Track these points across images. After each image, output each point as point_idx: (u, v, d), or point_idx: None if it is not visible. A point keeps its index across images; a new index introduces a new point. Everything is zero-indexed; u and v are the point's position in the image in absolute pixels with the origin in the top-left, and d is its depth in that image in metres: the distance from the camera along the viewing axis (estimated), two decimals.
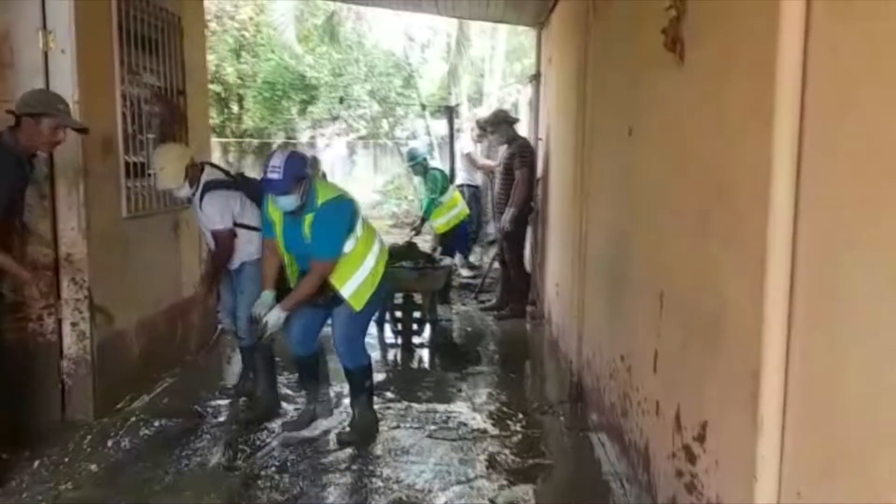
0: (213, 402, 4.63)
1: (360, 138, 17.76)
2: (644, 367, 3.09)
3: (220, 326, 5.88)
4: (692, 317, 2.52)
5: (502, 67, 15.18)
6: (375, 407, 4.44)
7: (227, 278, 4.53)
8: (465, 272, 9.15)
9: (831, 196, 1.66)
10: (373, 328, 6.48)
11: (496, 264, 7.86)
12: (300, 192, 3.69)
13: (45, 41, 3.92)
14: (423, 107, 14.98)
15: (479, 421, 4.41)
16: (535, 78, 7.85)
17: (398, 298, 6.16)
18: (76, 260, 4.11)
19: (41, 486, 3.48)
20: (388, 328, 6.29)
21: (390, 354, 6.02)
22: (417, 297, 6.21)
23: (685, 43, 2.59)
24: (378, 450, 3.97)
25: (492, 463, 3.82)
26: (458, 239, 8.11)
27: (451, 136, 10.10)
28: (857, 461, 1.54)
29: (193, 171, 4.27)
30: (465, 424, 4.34)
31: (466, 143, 9.94)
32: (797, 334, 1.82)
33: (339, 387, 4.91)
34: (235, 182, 4.38)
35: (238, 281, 4.42)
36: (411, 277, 5.99)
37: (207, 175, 4.32)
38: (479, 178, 9.75)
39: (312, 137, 17.88)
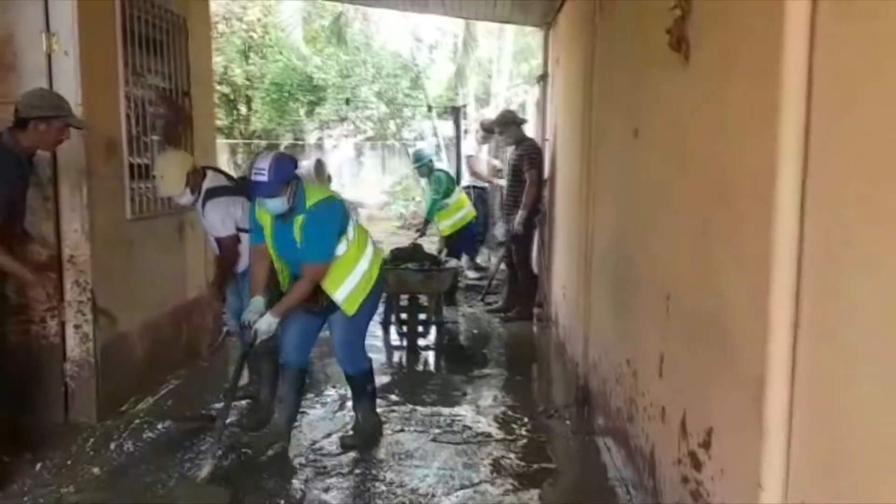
0: (218, 405, 4.59)
1: (368, 139, 17.76)
2: (650, 372, 3.06)
3: (225, 329, 5.88)
4: (697, 321, 2.49)
5: (510, 68, 15.16)
6: (379, 410, 4.41)
7: (232, 282, 4.52)
8: (471, 274, 9.11)
9: (837, 198, 1.63)
10: (378, 330, 6.49)
11: (503, 266, 7.82)
12: (289, 194, 3.59)
13: (49, 43, 3.91)
14: (430, 108, 14.96)
15: (484, 424, 4.37)
16: (543, 78, 7.81)
17: (403, 300, 6.13)
18: (79, 262, 4.10)
19: (43, 489, 3.47)
20: (393, 330, 6.26)
21: (395, 357, 6.00)
22: (423, 299, 6.18)
23: (690, 43, 2.55)
24: (382, 453, 3.94)
25: (497, 467, 3.79)
26: (465, 240, 8.08)
27: (458, 138, 10.07)
28: (863, 469, 1.50)
29: (195, 178, 4.25)
30: (470, 428, 4.30)
31: (471, 144, 9.91)
32: (803, 340, 1.78)
33: (344, 389, 4.90)
34: (238, 186, 4.37)
35: (243, 284, 4.40)
36: (416, 279, 5.97)
37: (209, 181, 4.30)
38: (486, 171, 9.70)
39: (320, 139, 17.90)
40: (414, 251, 6.43)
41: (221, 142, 15.44)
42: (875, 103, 1.46)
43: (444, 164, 9.79)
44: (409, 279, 5.97)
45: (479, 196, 9.16)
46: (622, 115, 3.77)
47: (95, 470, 3.68)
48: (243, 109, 17.65)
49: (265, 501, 3.42)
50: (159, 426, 4.23)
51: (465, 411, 4.60)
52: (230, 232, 4.24)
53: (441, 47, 17.44)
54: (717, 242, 2.32)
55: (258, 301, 3.82)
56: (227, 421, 3.81)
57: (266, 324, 3.69)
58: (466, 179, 9.39)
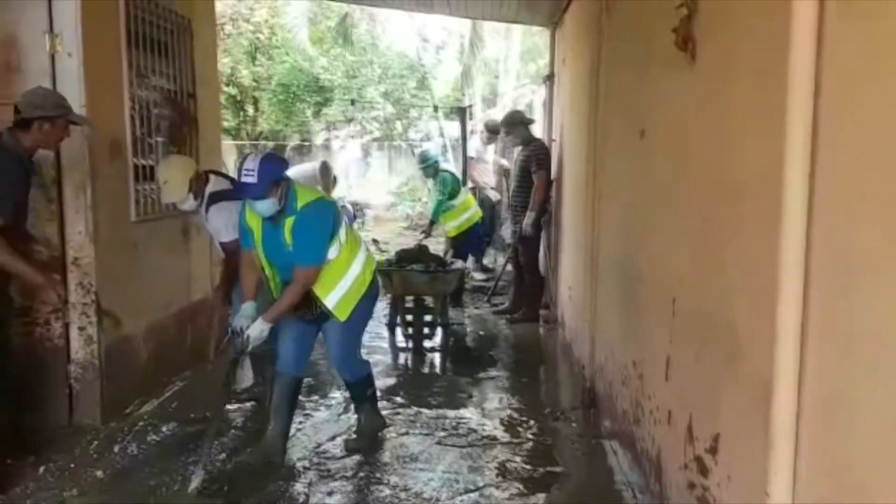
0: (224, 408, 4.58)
1: (375, 140, 17.76)
2: (656, 375, 3.02)
3: (230, 331, 5.86)
4: (704, 324, 2.45)
5: (517, 68, 15.12)
6: (384, 412, 4.38)
7: (238, 285, 4.50)
8: (478, 275, 9.08)
9: (845, 198, 1.59)
10: (384, 331, 6.47)
11: (509, 267, 7.78)
12: (278, 195, 3.48)
13: (52, 44, 3.90)
14: (436, 108, 14.94)
15: (489, 427, 4.34)
16: (549, 78, 7.78)
17: (409, 302, 6.10)
18: (83, 264, 4.09)
19: (46, 492, 3.46)
20: (398, 332, 6.23)
21: (401, 358, 5.97)
22: (429, 301, 6.15)
23: (696, 42, 2.52)
24: (386, 456, 3.91)
25: (502, 471, 3.76)
26: (471, 242, 8.04)
27: (464, 138, 10.04)
28: (872, 477, 1.47)
29: (198, 183, 4.23)
30: (476, 431, 4.27)
31: (477, 145, 9.87)
32: (811, 344, 1.74)
33: (348, 392, 4.88)
34: None
35: None
36: (422, 280, 5.94)
37: (213, 185, 4.29)
38: (492, 181, 9.67)
39: (327, 140, 17.90)
40: (419, 252, 6.40)
41: (229, 143, 15.47)
42: (883, 103, 1.43)
43: (450, 164, 9.74)
44: (414, 280, 5.94)
45: (487, 198, 9.12)
46: (628, 116, 3.74)
47: (99, 473, 3.67)
48: (250, 110, 17.67)
49: None
50: (164, 429, 4.21)
51: (470, 414, 4.56)
52: (233, 236, 4.21)
53: (448, 47, 17.43)
54: (723, 244, 2.29)
55: (249, 307, 3.72)
56: (228, 425, 3.78)
57: (258, 330, 3.58)
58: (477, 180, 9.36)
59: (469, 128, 10.32)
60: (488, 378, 5.38)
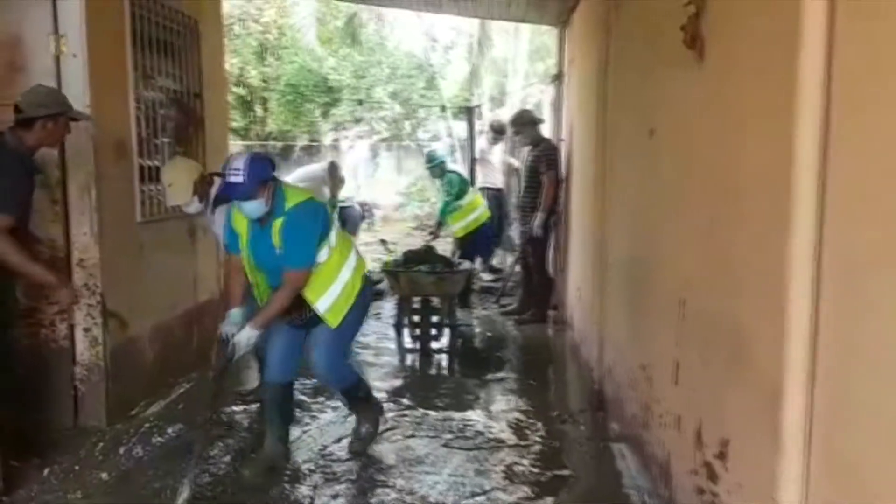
0: (229, 409, 4.56)
1: (383, 140, 17.75)
2: (665, 379, 2.98)
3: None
4: (713, 328, 2.41)
5: (525, 68, 15.07)
6: (391, 415, 4.37)
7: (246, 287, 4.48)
8: (486, 276, 9.04)
9: (856, 199, 1.56)
10: (390, 332, 6.44)
11: (518, 268, 7.74)
12: (266, 196, 3.37)
13: (57, 45, 3.89)
14: (444, 108, 14.91)
15: (497, 430, 4.29)
16: (558, 78, 7.73)
17: (416, 303, 6.07)
18: (89, 265, 4.08)
19: (50, 494, 3.44)
20: (405, 333, 6.20)
21: (408, 360, 5.94)
22: (436, 302, 6.12)
23: (705, 40, 2.48)
24: (392, 459, 3.88)
25: (509, 474, 3.71)
26: (479, 242, 7.99)
27: (472, 138, 10.00)
28: (885, 484, 1.42)
29: (203, 186, 4.19)
30: (483, 433, 4.23)
31: (482, 145, 9.82)
32: (822, 348, 1.71)
33: None
34: None
35: None
36: (429, 281, 5.90)
37: (218, 187, 4.26)
38: (500, 181, 9.62)
39: (336, 140, 17.90)
40: (426, 253, 6.36)
41: (238, 143, 15.48)
42: (894, 102, 1.39)
43: (458, 164, 9.70)
44: (421, 281, 5.90)
45: (494, 197, 9.06)
46: (637, 115, 3.69)
47: (104, 475, 3.65)
48: (259, 111, 17.69)
49: None
50: (169, 430, 4.18)
51: (477, 416, 4.52)
52: None
53: (457, 47, 17.40)
54: (731, 245, 2.25)
55: (236, 313, 3.60)
56: (233, 427, 3.74)
57: (245, 337, 3.46)
58: (480, 181, 9.30)
59: (477, 128, 10.27)
60: (496, 380, 5.34)
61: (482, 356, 6.04)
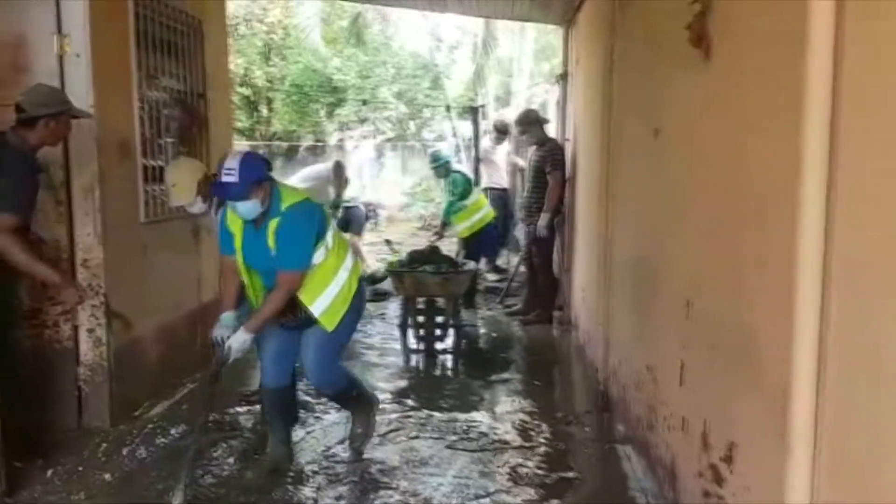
0: (233, 410, 4.55)
1: (388, 140, 17.73)
2: (670, 380, 2.95)
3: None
4: (719, 329, 2.39)
5: (530, 67, 15.04)
6: (395, 416, 4.36)
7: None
8: (491, 276, 9.01)
9: (865, 199, 1.53)
10: (395, 332, 6.42)
11: (522, 268, 7.71)
12: (261, 196, 3.30)
13: (61, 45, 3.88)
14: (448, 108, 14.89)
15: (501, 431, 4.27)
16: (563, 77, 7.70)
17: (420, 303, 6.05)
18: (92, 265, 4.07)
19: (53, 495, 3.43)
20: (410, 333, 6.18)
21: (412, 360, 5.92)
22: (441, 302, 6.10)
23: (711, 39, 2.45)
24: (396, 460, 3.86)
25: (514, 476, 3.69)
26: (484, 242, 7.97)
27: (476, 138, 9.97)
28: (894, 491, 1.40)
29: (206, 186, 4.17)
30: (487, 435, 4.20)
31: (485, 145, 9.79)
32: (830, 350, 1.68)
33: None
34: None
35: None
36: (433, 282, 5.88)
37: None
38: (504, 181, 9.58)
39: (341, 140, 17.89)
40: (431, 253, 6.35)
41: (243, 143, 15.48)
42: None
43: (462, 164, 9.68)
44: (425, 281, 5.88)
45: (499, 197, 9.03)
46: (642, 115, 3.67)
47: (107, 476, 3.64)
48: (264, 111, 17.70)
49: None
50: (173, 431, 4.18)
51: (482, 417, 4.50)
52: None
53: (462, 47, 17.38)
54: (738, 245, 2.22)
55: (229, 316, 3.54)
56: (227, 428, 3.71)
57: (239, 341, 3.39)
58: (485, 181, 9.27)
59: (482, 128, 10.24)
60: (500, 381, 5.31)
61: (487, 357, 6.02)
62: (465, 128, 14.11)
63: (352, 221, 8.55)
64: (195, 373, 5.13)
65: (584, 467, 3.83)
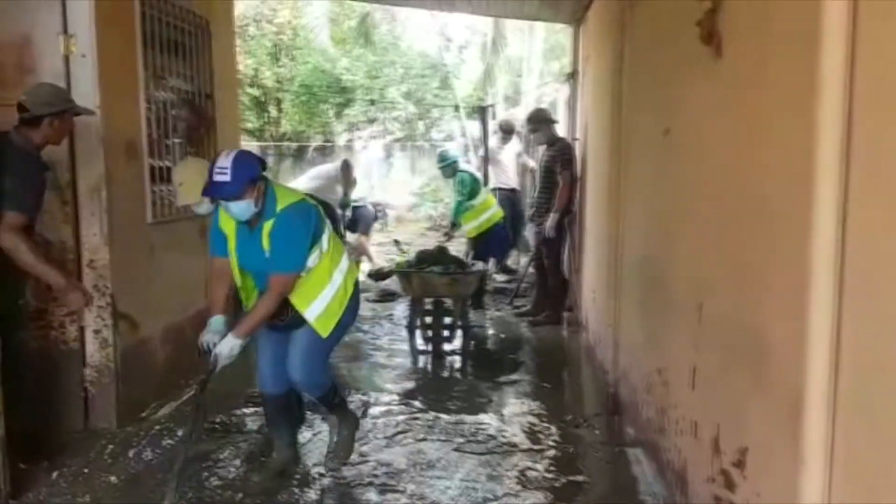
0: (239, 411, 4.53)
1: (397, 140, 17.72)
2: (681, 384, 2.91)
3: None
4: (732, 333, 2.34)
5: (540, 66, 14.99)
6: (402, 417, 4.33)
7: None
8: (500, 277, 8.97)
9: (881, 200, 1.48)
10: (403, 333, 6.39)
11: (532, 269, 7.66)
12: (255, 196, 3.15)
13: (66, 45, 3.87)
14: (457, 108, 14.86)
15: (509, 434, 4.23)
16: (572, 76, 7.66)
17: (428, 304, 6.01)
18: (99, 266, 4.06)
19: (58, 497, 3.42)
20: (418, 334, 6.14)
21: (420, 361, 5.89)
22: (449, 303, 6.06)
23: (722, 37, 2.40)
24: (402, 463, 3.82)
25: (522, 479, 3.65)
26: (493, 243, 7.92)
27: (485, 138, 9.93)
28: None
29: None
30: (495, 437, 4.16)
31: (491, 145, 9.74)
32: (845, 354, 1.63)
33: (367, 395, 4.83)
34: None
35: None
36: (441, 282, 5.85)
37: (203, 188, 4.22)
38: (512, 181, 9.53)
39: (350, 140, 17.89)
40: (439, 253, 6.31)
41: (253, 144, 15.51)
42: None
43: (471, 164, 9.63)
44: (433, 282, 5.85)
45: (507, 197, 8.97)
46: (652, 114, 3.62)
47: (113, 478, 3.62)
48: (273, 112, 17.71)
49: None
50: (180, 433, 4.15)
51: (490, 419, 4.46)
52: None
53: (471, 46, 17.34)
54: (751, 247, 2.17)
55: (218, 321, 3.37)
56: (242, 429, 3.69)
57: (228, 347, 3.24)
58: (493, 181, 9.22)
59: (491, 128, 10.20)
60: (509, 382, 5.27)
61: (495, 358, 5.98)
62: (475, 128, 14.07)
63: (359, 221, 8.54)
64: (202, 374, 5.11)
65: (593, 471, 3.78)
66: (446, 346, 5.99)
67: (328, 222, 3.50)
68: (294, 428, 3.78)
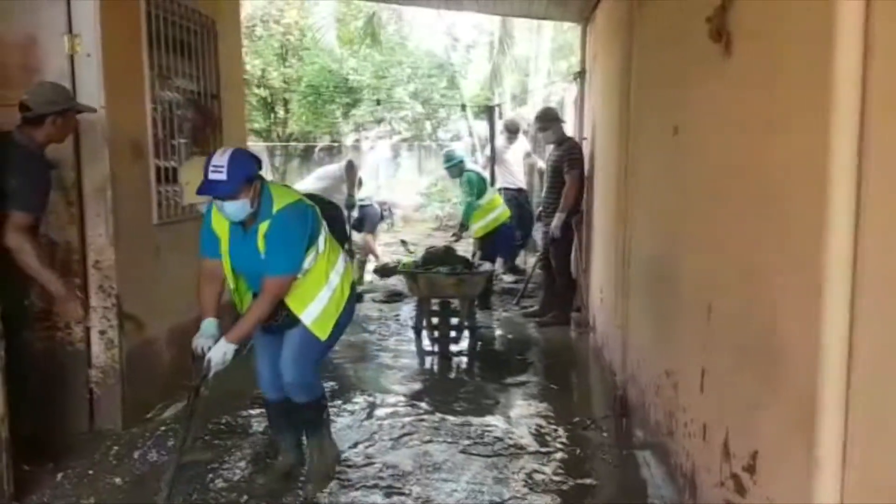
0: (245, 412, 4.51)
1: (404, 140, 17.69)
2: (691, 386, 2.87)
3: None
4: (741, 334, 2.30)
5: (547, 65, 14.94)
6: (408, 419, 4.30)
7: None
8: (507, 277, 8.93)
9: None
10: (409, 334, 6.36)
11: (539, 269, 7.62)
12: (251, 196, 3.08)
13: (71, 45, 3.86)
14: (464, 107, 14.82)
15: (517, 436, 4.19)
16: (580, 75, 7.61)
17: (435, 304, 5.98)
18: (104, 267, 4.04)
19: (63, 499, 3.41)
20: (424, 335, 6.11)
21: (426, 362, 5.86)
22: (455, 303, 6.03)
23: (732, 34, 2.36)
24: (408, 465, 3.79)
25: (529, 482, 3.62)
26: (500, 243, 7.89)
27: (492, 137, 9.89)
28: None
29: None
30: (502, 439, 4.13)
31: (499, 145, 9.70)
32: (859, 357, 1.59)
33: (374, 396, 4.80)
34: None
35: None
36: (448, 283, 5.82)
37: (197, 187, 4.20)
38: (518, 180, 9.48)
39: (357, 140, 17.87)
40: (446, 254, 6.28)
41: (260, 144, 15.51)
42: None
43: (477, 164, 9.60)
44: (440, 282, 5.82)
45: (514, 197, 8.92)
46: (661, 112, 3.58)
47: (117, 480, 3.61)
48: (280, 112, 17.71)
49: None
50: None
51: (497, 421, 4.42)
52: None
53: (478, 46, 17.30)
54: (762, 247, 2.13)
55: (210, 324, 3.30)
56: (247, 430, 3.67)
57: (220, 352, 3.16)
58: (500, 181, 9.18)
59: (498, 127, 10.16)
60: (516, 384, 5.24)
61: (502, 359, 5.95)
62: (482, 127, 14.04)
63: (366, 220, 8.52)
64: (195, 379, 5.09)
65: (601, 474, 3.75)
66: (453, 347, 5.95)
67: (324, 223, 3.44)
68: (298, 430, 3.73)
